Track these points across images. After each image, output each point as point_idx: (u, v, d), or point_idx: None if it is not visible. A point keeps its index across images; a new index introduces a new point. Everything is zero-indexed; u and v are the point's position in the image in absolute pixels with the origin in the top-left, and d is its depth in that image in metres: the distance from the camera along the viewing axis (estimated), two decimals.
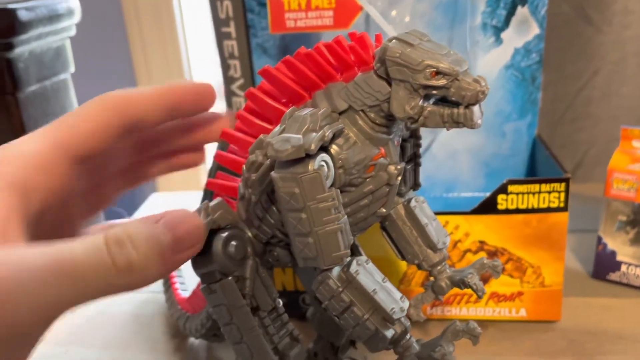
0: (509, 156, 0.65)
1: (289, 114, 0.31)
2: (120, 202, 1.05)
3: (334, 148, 0.32)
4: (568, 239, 0.53)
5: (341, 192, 0.34)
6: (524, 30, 0.61)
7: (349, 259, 0.32)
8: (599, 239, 0.61)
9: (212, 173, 0.55)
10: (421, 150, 0.41)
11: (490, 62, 0.63)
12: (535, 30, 0.61)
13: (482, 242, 0.54)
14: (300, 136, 0.29)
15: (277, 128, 0.31)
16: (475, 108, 0.30)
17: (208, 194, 0.52)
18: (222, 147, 0.42)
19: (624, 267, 0.60)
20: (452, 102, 0.30)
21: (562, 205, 0.51)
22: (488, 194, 0.52)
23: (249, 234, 0.38)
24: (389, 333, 0.31)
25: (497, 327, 0.55)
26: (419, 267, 0.39)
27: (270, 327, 0.38)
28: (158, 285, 0.67)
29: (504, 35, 0.61)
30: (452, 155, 0.66)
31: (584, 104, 0.92)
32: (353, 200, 0.34)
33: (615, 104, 0.91)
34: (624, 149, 0.60)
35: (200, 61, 1.11)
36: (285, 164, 0.30)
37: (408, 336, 0.32)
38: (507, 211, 0.52)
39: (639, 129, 0.60)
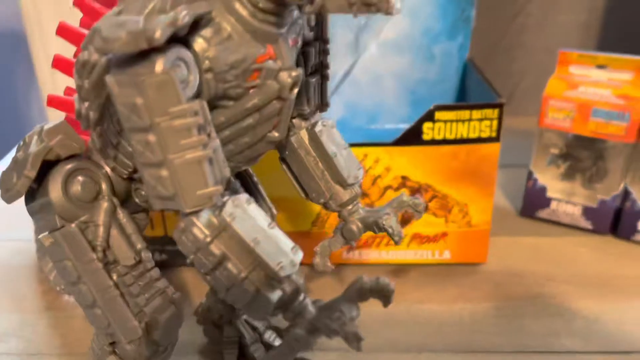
0: (438, 82, 0.58)
1: None
2: (6, 133, 0.89)
3: (198, 42, 0.23)
4: (496, 174, 0.47)
5: (215, 107, 0.25)
6: None
7: (225, 198, 0.24)
8: (530, 174, 0.56)
9: None
10: (342, 73, 0.32)
11: None
12: None
13: (404, 178, 0.47)
14: (139, 18, 0.20)
15: (115, 9, 0.22)
16: None
17: None
18: None
19: (553, 204, 0.55)
20: None
21: (494, 134, 0.45)
22: None
23: (106, 168, 0.29)
24: (275, 295, 0.23)
25: (419, 271, 0.50)
26: (326, 207, 0.32)
27: (133, 286, 0.29)
28: (29, 232, 0.57)
29: None
30: (376, 81, 0.58)
31: (518, 32, 0.86)
32: (232, 119, 0.25)
33: (550, 33, 0.86)
34: (561, 74, 0.54)
35: None
36: (124, 63, 0.21)
37: (301, 297, 0.24)
38: (433, 142, 0.45)
39: (578, 52, 0.54)
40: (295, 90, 0.26)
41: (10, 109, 1.05)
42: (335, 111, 0.57)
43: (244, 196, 0.24)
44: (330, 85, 0.34)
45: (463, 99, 0.59)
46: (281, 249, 0.24)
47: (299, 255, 0.24)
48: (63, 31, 0.28)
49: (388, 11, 0.21)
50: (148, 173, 0.22)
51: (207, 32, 0.23)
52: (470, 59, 0.58)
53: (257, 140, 0.27)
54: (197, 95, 0.23)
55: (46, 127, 0.28)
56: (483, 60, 0.85)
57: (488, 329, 0.43)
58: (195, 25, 0.22)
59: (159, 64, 0.20)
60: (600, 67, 0.54)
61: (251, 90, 0.25)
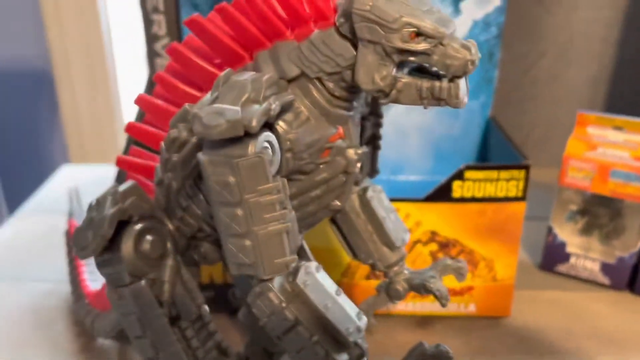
0: (461, 138, 0.61)
1: (223, 78, 0.24)
2: (28, 173, 0.92)
3: (281, 126, 0.25)
4: (521, 230, 0.49)
5: (288, 180, 0.27)
6: (484, 2, 0.56)
7: (295, 264, 0.26)
8: (549, 230, 0.58)
9: (127, 148, 0.46)
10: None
11: None
12: (496, 1, 0.56)
13: (433, 233, 0.49)
14: (237, 108, 0.22)
15: (208, 96, 0.24)
16: (462, 82, 0.24)
17: (123, 175, 0.44)
18: (139, 117, 0.34)
19: (572, 259, 0.57)
20: (433, 72, 0.24)
21: (520, 194, 0.47)
22: (436, 178, 0.48)
23: (170, 226, 0.31)
24: (342, 358, 0.25)
25: (444, 323, 0.51)
26: (373, 267, 0.34)
27: (193, 339, 0.31)
28: (62, 273, 0.58)
29: (462, 5, 0.56)
30: (402, 135, 0.61)
31: (530, 85, 0.89)
32: (302, 190, 0.27)
33: (559, 86, 0.90)
34: (579, 135, 0.57)
35: (120, 15, 0.99)
36: (217, 144, 0.23)
37: None
38: (462, 199, 0.47)
39: (596, 115, 0.57)
40: (359, 165, 0.28)
41: (32, 148, 1.07)
42: None
43: (313, 264, 0.26)
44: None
45: (485, 154, 0.61)
46: (348, 315, 0.25)
47: (364, 321, 0.26)
48: (141, 102, 0.30)
49: (457, 106, 0.24)
50: (231, 242, 0.24)
51: (289, 116, 0.25)
52: (492, 116, 0.61)
53: (321, 209, 0.29)
54: (278, 172, 0.25)
55: (120, 189, 0.30)
56: (499, 113, 0.89)
57: None
58: (280, 111, 0.24)
59: (252, 147, 0.23)
60: (617, 128, 0.56)
61: (321, 166, 0.27)
